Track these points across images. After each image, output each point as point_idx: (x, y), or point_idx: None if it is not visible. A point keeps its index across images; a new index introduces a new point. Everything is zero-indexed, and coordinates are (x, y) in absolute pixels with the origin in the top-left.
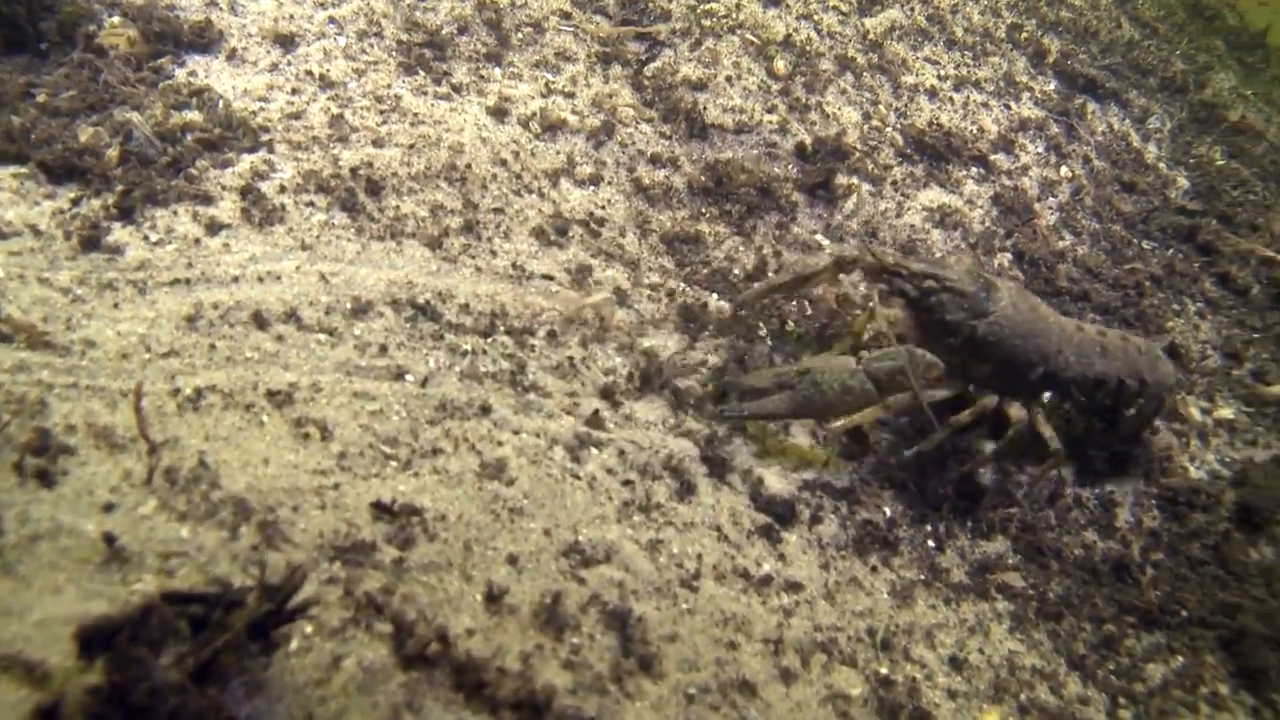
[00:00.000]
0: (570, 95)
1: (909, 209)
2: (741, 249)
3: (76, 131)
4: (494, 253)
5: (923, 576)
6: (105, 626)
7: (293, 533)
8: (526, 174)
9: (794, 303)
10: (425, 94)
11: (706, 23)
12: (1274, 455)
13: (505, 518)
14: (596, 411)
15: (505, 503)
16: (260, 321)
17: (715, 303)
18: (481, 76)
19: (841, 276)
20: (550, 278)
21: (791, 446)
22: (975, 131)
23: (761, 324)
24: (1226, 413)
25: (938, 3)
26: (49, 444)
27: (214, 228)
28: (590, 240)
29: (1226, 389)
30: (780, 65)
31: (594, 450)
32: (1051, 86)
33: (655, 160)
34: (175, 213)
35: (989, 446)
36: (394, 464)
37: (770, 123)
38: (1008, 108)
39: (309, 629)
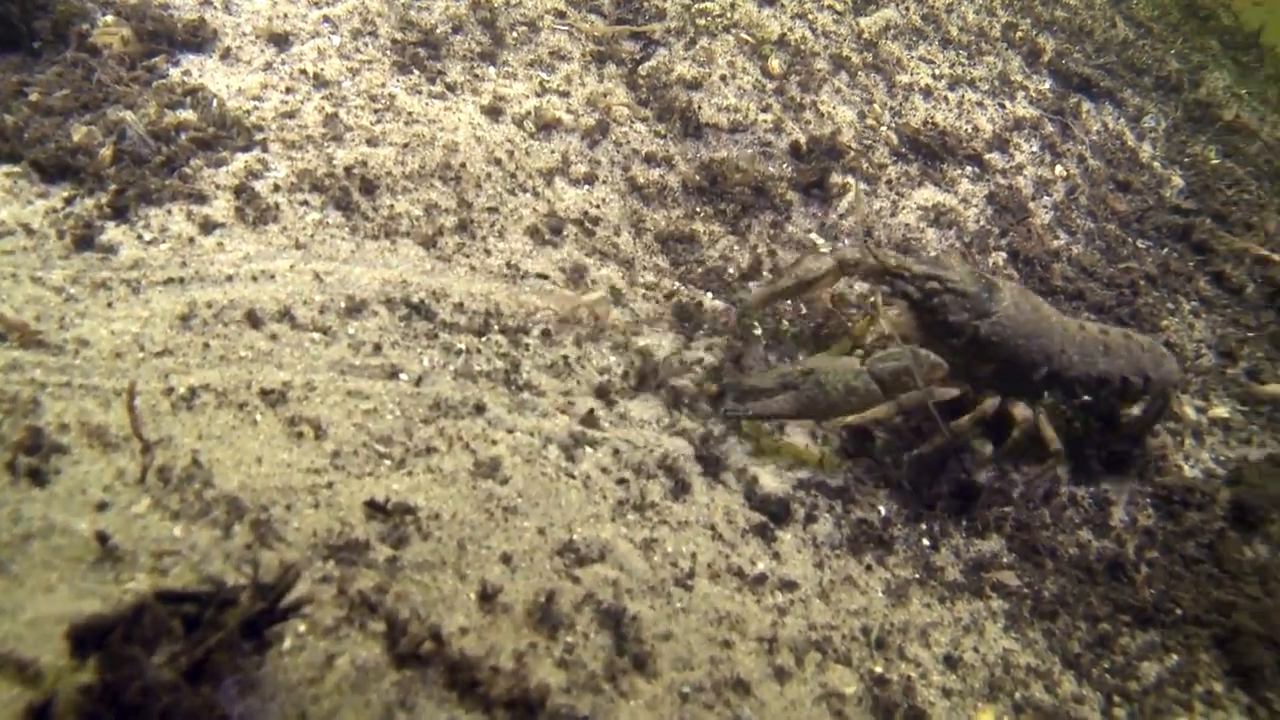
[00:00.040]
0: (565, 94)
1: (904, 208)
2: (736, 248)
3: (70, 130)
4: (488, 252)
5: (917, 575)
6: (98, 625)
7: (286, 532)
8: (521, 173)
9: (789, 301)
10: (420, 93)
11: (701, 22)
12: (1269, 454)
13: (499, 516)
14: (591, 410)
15: (499, 501)
16: (254, 320)
17: (710, 302)
18: (476, 75)
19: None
20: (545, 277)
21: (786, 445)
22: (970, 130)
23: (757, 323)
24: (1221, 411)
25: (933, 2)
26: (42, 443)
27: (208, 227)
28: (585, 239)
29: (1221, 388)
30: (775, 64)
31: (588, 449)
32: (1046, 85)
33: (650, 159)
34: (169, 212)
35: (987, 447)
36: (388, 463)
37: (765, 122)
38: (1003, 107)
39: (302, 628)
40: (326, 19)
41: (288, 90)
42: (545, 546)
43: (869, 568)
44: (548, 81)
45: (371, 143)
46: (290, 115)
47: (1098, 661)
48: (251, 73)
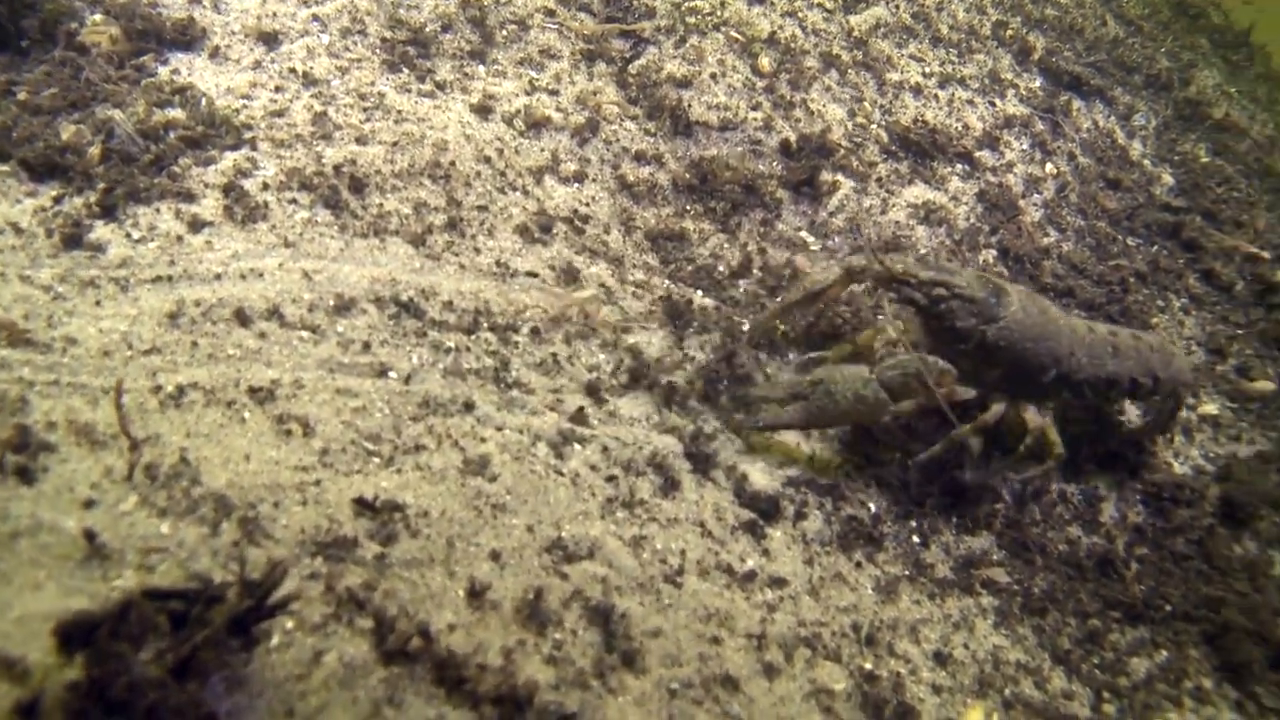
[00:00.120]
0: (555, 92)
1: (894, 206)
2: (726, 246)
3: (58, 129)
4: (478, 250)
5: (907, 572)
6: (85, 622)
7: (274, 529)
8: (510, 171)
9: (778, 299)
10: (409, 91)
11: (691, 20)
12: (1258, 451)
13: (488, 514)
14: (580, 408)
15: (488, 499)
16: (243, 319)
17: (700, 299)
18: (466, 74)
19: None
20: (534, 275)
21: (776, 443)
22: (960, 128)
23: (747, 322)
24: (1210, 408)
25: (923, 0)
26: (29, 441)
27: (196, 225)
28: (574, 237)
29: (1210, 385)
30: (765, 62)
31: (577, 446)
32: (1037, 84)
33: (640, 157)
34: (158, 210)
35: (975, 442)
36: (376, 460)
37: (755, 120)
38: (993, 105)
39: (290, 624)
40: (315, 18)
41: (277, 89)
42: (534, 544)
43: (859, 564)
44: (537, 80)
45: (361, 141)
46: (279, 114)
47: (1087, 657)
48: (240, 71)
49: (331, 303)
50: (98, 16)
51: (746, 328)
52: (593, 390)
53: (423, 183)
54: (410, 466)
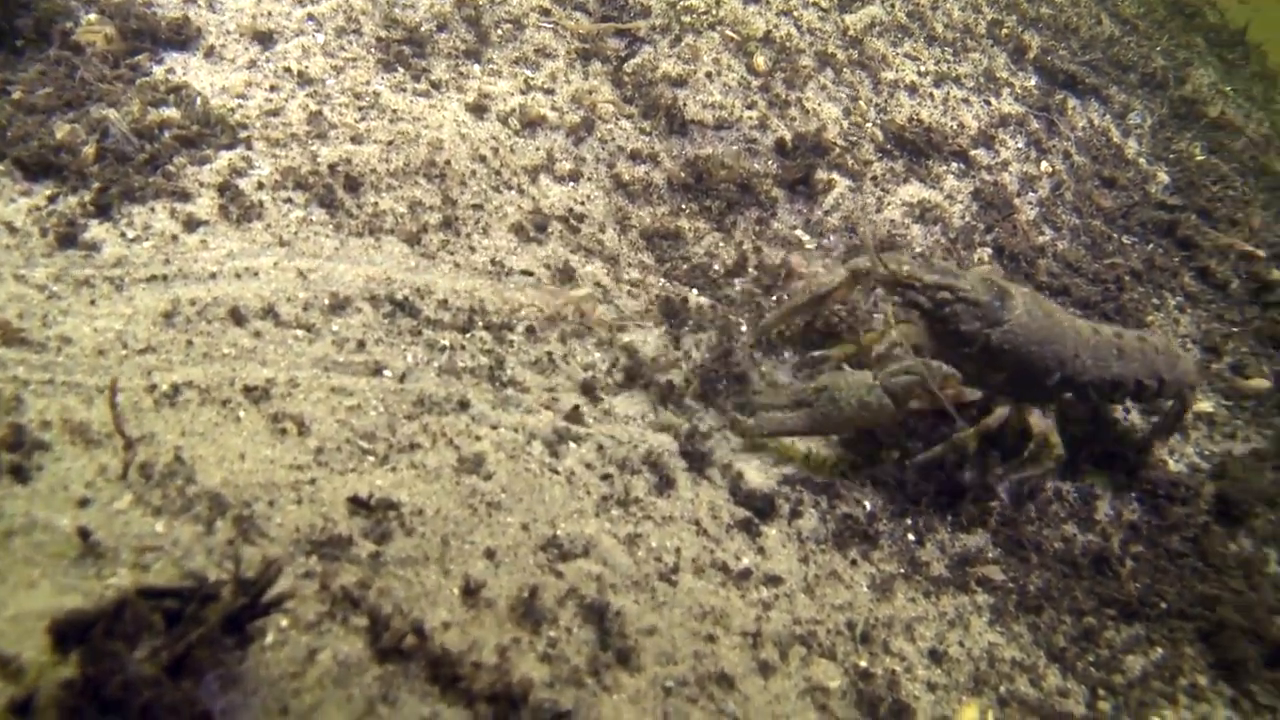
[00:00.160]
0: (550, 92)
1: (889, 204)
2: (721, 244)
3: (53, 128)
4: (473, 249)
5: (902, 570)
6: (79, 620)
7: (269, 527)
8: (506, 170)
9: (774, 297)
10: (404, 91)
11: (686, 19)
12: (1253, 448)
13: (483, 512)
14: (576, 407)
15: (483, 497)
16: (238, 318)
17: (695, 298)
18: (461, 73)
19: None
20: (529, 274)
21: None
22: (955, 127)
23: (743, 320)
24: (1205, 406)
25: None
26: (24, 440)
27: (191, 224)
28: (570, 236)
29: (1205, 383)
30: (760, 61)
31: (572, 445)
32: (1032, 82)
33: (635, 156)
34: (152, 209)
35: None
36: (371, 459)
37: (750, 119)
38: (988, 103)
39: (284, 623)
40: (311, 17)
41: (272, 88)
42: (529, 542)
43: (854, 562)
44: (532, 79)
45: (356, 140)
46: (274, 113)
47: (1083, 655)
48: (235, 71)
49: (326, 301)
50: (92, 16)
51: (745, 328)
52: (588, 389)
53: (418, 182)
54: (405, 465)
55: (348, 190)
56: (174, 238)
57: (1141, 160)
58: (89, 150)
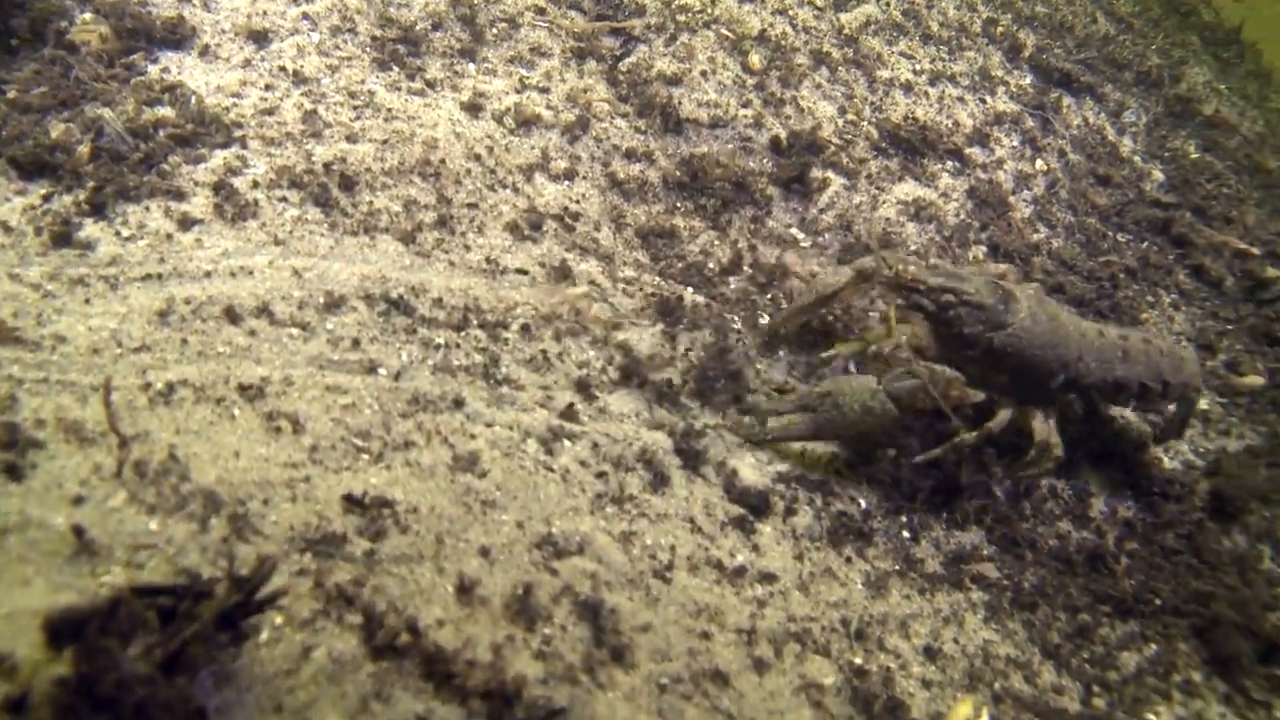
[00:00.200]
0: (545, 90)
1: (884, 202)
2: (716, 243)
3: (48, 128)
4: (467, 247)
5: (897, 567)
6: (74, 618)
7: (263, 525)
8: (501, 169)
9: (768, 296)
10: (399, 89)
11: (681, 18)
12: (1247, 445)
13: (477, 510)
14: (570, 404)
15: (478, 495)
16: (232, 316)
17: (691, 296)
18: (456, 72)
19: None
20: (524, 272)
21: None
22: (950, 125)
23: (736, 318)
24: (1200, 403)
25: None
26: (18, 438)
27: (186, 223)
28: (565, 234)
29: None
30: (755, 60)
31: (567, 443)
32: (1027, 81)
33: (630, 155)
34: (147, 208)
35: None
36: (366, 457)
37: (745, 117)
38: (983, 102)
39: (279, 620)
40: (305, 16)
41: (267, 87)
42: (523, 539)
43: (849, 560)
44: (528, 78)
45: (351, 139)
46: (269, 112)
47: (1077, 652)
48: (230, 70)
49: (321, 300)
50: (87, 15)
51: (741, 326)
52: (583, 387)
53: (413, 180)
54: (400, 463)
55: (343, 189)
56: (169, 236)
57: (1136, 158)
58: (84, 149)
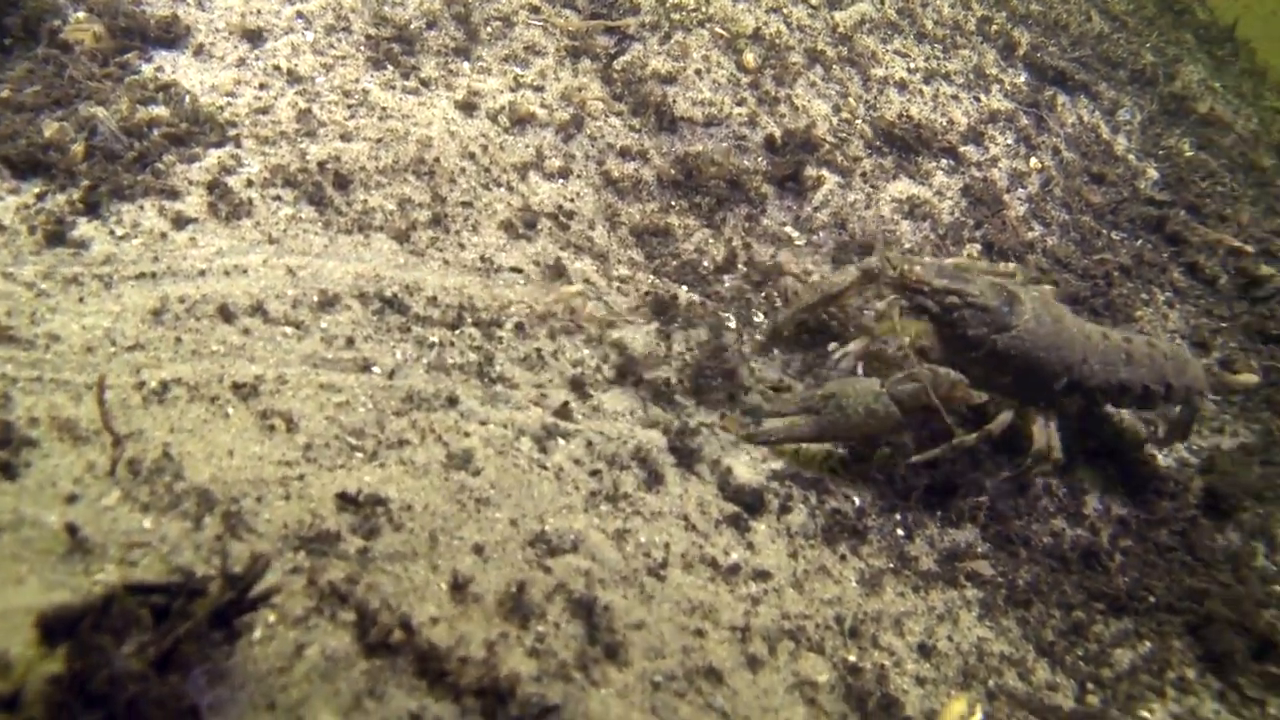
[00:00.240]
0: (539, 89)
1: (878, 200)
2: (711, 241)
3: (41, 126)
4: (462, 246)
5: (891, 565)
6: (67, 615)
7: (256, 523)
8: (495, 167)
9: (762, 294)
10: (393, 88)
11: (676, 16)
12: (1241, 443)
13: (471, 508)
14: (565, 403)
15: (471, 493)
16: (226, 315)
17: (685, 295)
18: (450, 71)
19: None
20: (519, 270)
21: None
22: (945, 123)
23: (731, 316)
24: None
25: None
26: (12, 437)
27: (180, 222)
28: (559, 233)
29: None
30: (750, 58)
31: (561, 441)
32: (1021, 79)
33: (625, 153)
34: (141, 207)
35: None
36: (360, 455)
37: (740, 115)
38: (977, 100)
39: (272, 618)
40: (300, 15)
41: (261, 86)
42: (517, 537)
43: (843, 557)
44: (522, 76)
45: (345, 138)
46: (264, 111)
47: (1071, 649)
48: (225, 69)
49: (315, 299)
50: (81, 14)
51: (734, 324)
52: (577, 385)
53: (407, 179)
54: (394, 461)
55: (337, 188)
56: (163, 235)
57: (1131, 156)
58: (78, 148)
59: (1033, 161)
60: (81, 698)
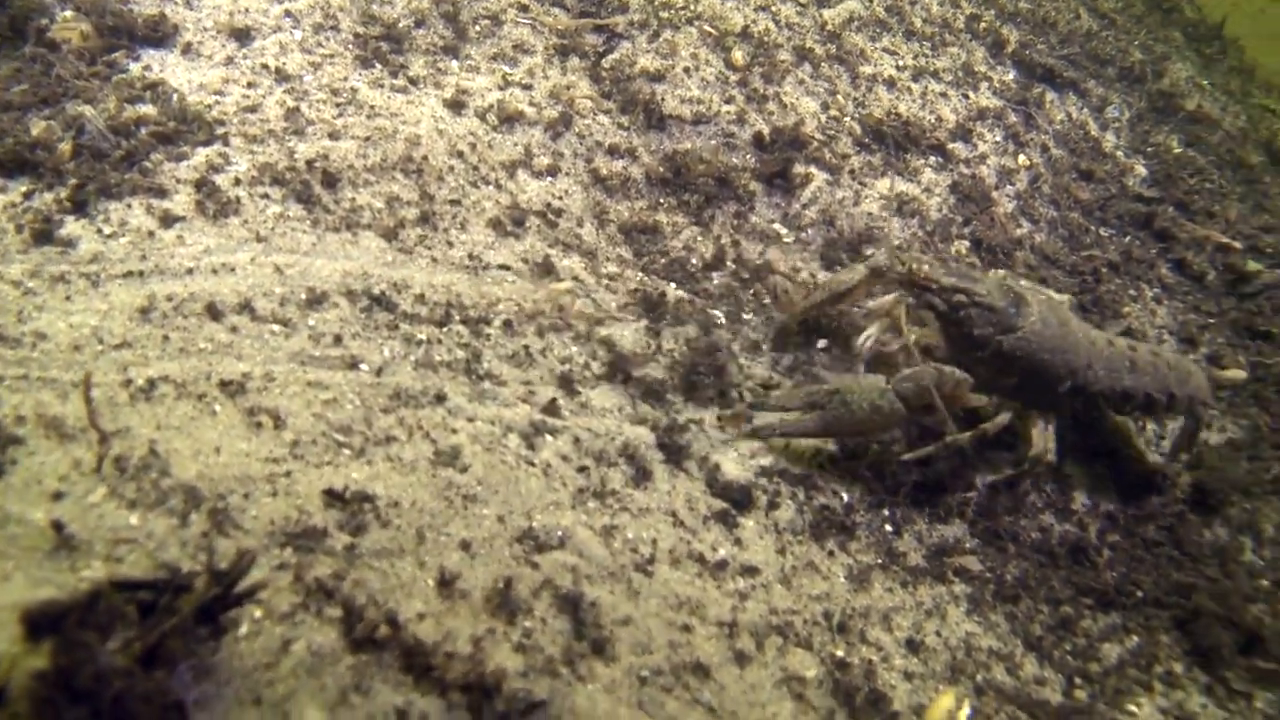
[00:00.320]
0: (528, 87)
1: (866, 197)
2: (700, 239)
3: (28, 125)
4: (450, 243)
5: (880, 560)
6: (52, 611)
7: (243, 520)
8: (484, 165)
9: (750, 291)
10: (382, 87)
11: (664, 14)
12: (1229, 438)
13: (459, 504)
14: (553, 399)
15: (459, 489)
16: (214, 313)
17: (674, 292)
18: (439, 69)
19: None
20: (507, 268)
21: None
22: (933, 121)
23: (719, 313)
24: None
25: None
26: None
27: (168, 220)
28: (547, 231)
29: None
30: (738, 56)
31: (549, 437)
32: (1010, 76)
33: (613, 151)
34: (129, 206)
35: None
36: (347, 452)
37: (728, 113)
38: (966, 97)
39: (258, 614)
40: (288, 14)
41: (249, 85)
42: (505, 534)
43: (831, 553)
44: (510, 75)
45: (333, 136)
46: (252, 110)
47: (1059, 644)
48: (213, 67)
49: (303, 296)
50: (68, 13)
51: (723, 321)
52: (565, 382)
53: (395, 177)
54: (381, 458)
55: (325, 186)
56: (150, 234)
57: (1119, 153)
58: (65, 147)
59: (1021, 158)
60: (67, 693)
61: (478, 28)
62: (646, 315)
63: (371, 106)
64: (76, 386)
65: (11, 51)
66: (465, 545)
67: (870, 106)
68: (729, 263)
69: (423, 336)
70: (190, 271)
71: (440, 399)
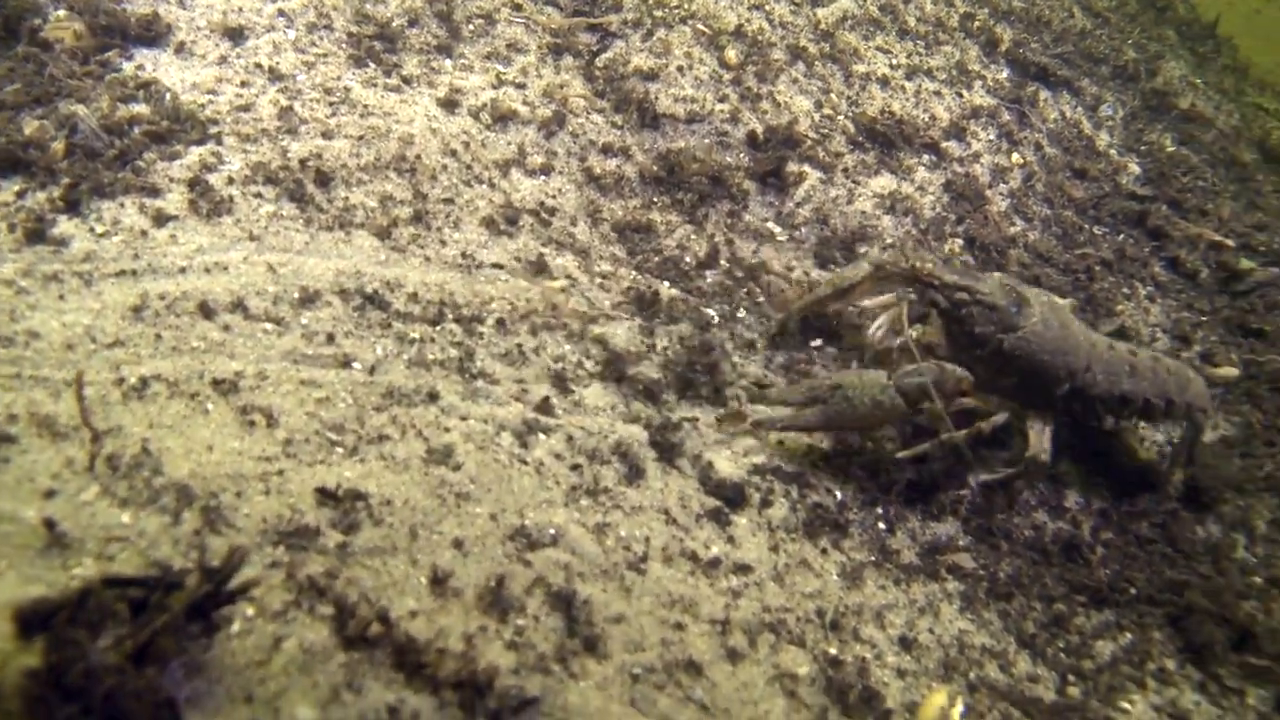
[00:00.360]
0: (521, 86)
1: (860, 196)
2: (693, 237)
3: (21, 124)
4: (443, 242)
5: (873, 558)
6: (44, 609)
7: (235, 518)
8: (477, 164)
9: (744, 290)
10: (375, 86)
11: (658, 13)
12: (1221, 436)
13: (451, 502)
14: (546, 398)
15: (451, 488)
16: (207, 311)
17: (667, 290)
18: (432, 68)
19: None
20: (500, 267)
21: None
22: (927, 119)
23: (713, 310)
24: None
25: None
26: None
27: (161, 219)
28: (541, 229)
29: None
30: (732, 55)
31: (542, 436)
32: (1004, 75)
33: (607, 150)
34: (122, 205)
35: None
36: (340, 450)
37: (722, 112)
38: (960, 96)
39: (250, 611)
40: (281, 13)
41: (242, 84)
42: (497, 531)
43: (824, 551)
44: (504, 74)
45: (326, 135)
46: (245, 109)
47: (1052, 641)
48: (206, 67)
49: (296, 295)
50: (61, 12)
51: (717, 319)
52: (558, 380)
53: (388, 176)
54: (374, 456)
55: (318, 185)
56: (143, 233)
57: (1113, 152)
58: (58, 146)
59: (1015, 157)
60: (58, 691)
61: (471, 27)
62: (640, 314)
63: (365, 105)
64: (69, 385)
65: (4, 51)
66: (458, 543)
67: (864, 105)
68: (723, 261)
69: (416, 335)
70: (183, 270)
71: (433, 397)
